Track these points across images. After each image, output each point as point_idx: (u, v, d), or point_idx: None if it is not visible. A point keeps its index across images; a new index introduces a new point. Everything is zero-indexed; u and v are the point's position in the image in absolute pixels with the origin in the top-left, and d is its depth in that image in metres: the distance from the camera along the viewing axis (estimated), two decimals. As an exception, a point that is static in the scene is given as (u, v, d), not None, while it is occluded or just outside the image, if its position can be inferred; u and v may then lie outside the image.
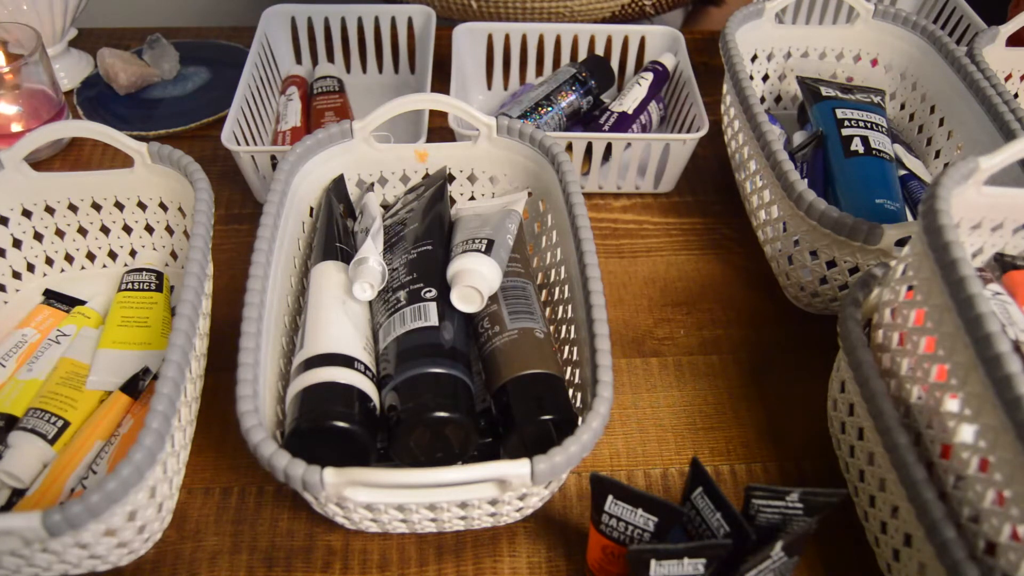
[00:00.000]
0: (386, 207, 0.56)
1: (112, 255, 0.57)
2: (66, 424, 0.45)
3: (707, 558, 0.35)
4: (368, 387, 0.41)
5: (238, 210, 0.65)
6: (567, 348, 0.47)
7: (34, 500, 0.42)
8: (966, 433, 0.35)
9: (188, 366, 0.41)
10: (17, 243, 0.54)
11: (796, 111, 0.72)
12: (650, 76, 0.70)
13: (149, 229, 0.56)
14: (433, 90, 0.66)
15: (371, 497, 0.36)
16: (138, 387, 0.48)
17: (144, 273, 0.54)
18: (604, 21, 0.78)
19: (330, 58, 0.78)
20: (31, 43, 0.64)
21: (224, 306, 0.54)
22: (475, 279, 0.45)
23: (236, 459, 0.48)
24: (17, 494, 0.44)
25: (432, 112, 0.66)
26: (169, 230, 0.56)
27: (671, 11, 0.85)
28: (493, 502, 0.39)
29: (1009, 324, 0.43)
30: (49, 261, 0.56)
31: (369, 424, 0.40)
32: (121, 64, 0.73)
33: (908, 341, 0.40)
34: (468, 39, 0.73)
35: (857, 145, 0.58)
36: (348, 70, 0.78)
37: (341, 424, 0.38)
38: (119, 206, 0.55)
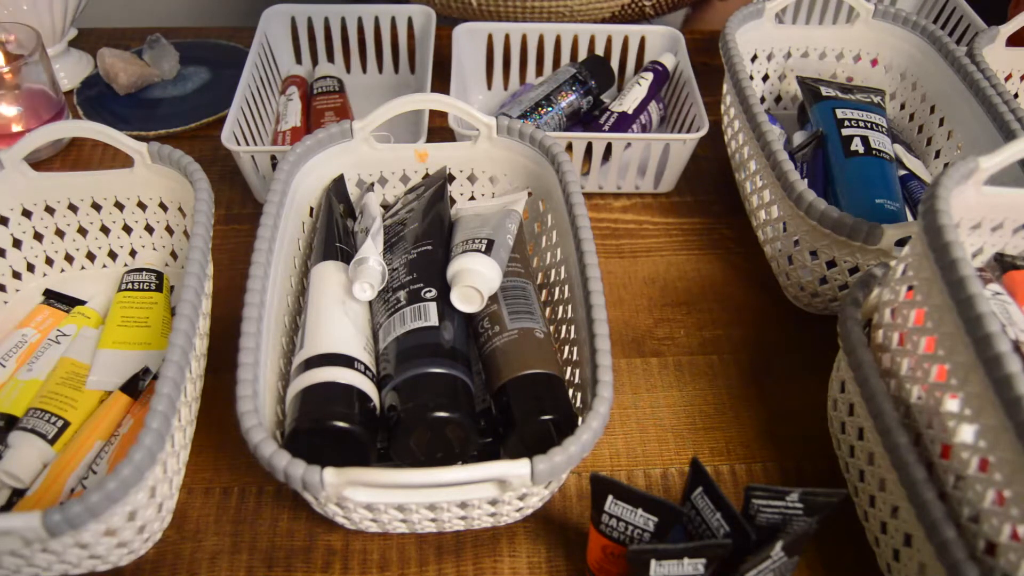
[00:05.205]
0: (386, 207, 0.56)
1: (112, 255, 0.57)
2: (66, 424, 0.45)
3: (707, 558, 0.35)
4: (368, 387, 0.41)
5: (238, 210, 0.65)
6: (567, 348, 0.47)
7: (34, 500, 0.42)
8: (966, 433, 0.35)
9: (188, 366, 0.41)
10: (17, 243, 0.54)
11: (796, 111, 0.72)
12: (650, 76, 0.70)
13: (149, 229, 0.56)
14: (433, 90, 0.66)
15: (371, 497, 0.36)
16: (138, 387, 0.48)
17: (144, 273, 0.54)
18: (604, 21, 0.78)
19: (330, 58, 0.78)
20: (31, 43, 0.64)
21: (224, 306, 0.54)
22: (475, 279, 0.45)
23: (236, 459, 0.48)
24: (17, 494, 0.44)
25: (432, 112, 0.66)
26: (169, 230, 0.56)
27: (671, 12, 0.85)
28: (493, 502, 0.39)
29: (1009, 324, 0.43)
30: (49, 261, 0.56)
31: (369, 424, 0.40)
32: (121, 64, 0.73)
33: (908, 341, 0.40)
34: (468, 39, 0.73)
35: (857, 145, 0.58)
36: (348, 70, 0.78)
37: (341, 424, 0.38)
38: (119, 206, 0.55)
